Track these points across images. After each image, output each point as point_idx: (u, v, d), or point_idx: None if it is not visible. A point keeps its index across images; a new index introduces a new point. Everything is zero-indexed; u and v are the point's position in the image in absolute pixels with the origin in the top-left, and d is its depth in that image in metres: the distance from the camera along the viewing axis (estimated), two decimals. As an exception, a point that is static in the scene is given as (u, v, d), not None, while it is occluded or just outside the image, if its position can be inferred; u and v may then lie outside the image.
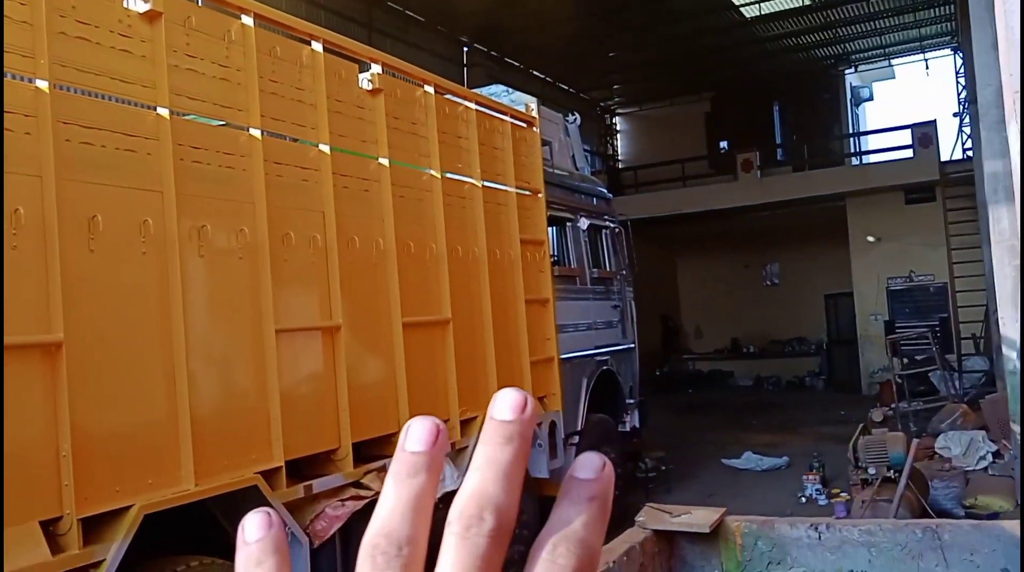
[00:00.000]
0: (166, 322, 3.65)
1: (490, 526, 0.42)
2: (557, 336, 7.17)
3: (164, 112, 3.70)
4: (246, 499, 4.01)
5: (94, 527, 3.29)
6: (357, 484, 4.71)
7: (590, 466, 0.45)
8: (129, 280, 3.54)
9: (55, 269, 3.16)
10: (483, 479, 0.43)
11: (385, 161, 5.23)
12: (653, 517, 4.40)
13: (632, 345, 8.94)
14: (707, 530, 4.56)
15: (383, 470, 4.93)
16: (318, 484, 4.45)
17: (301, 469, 4.59)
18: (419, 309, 5.44)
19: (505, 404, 0.45)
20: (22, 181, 3.12)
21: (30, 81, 3.19)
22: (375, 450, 5.11)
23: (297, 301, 4.52)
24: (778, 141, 22.35)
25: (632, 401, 8.74)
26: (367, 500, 4.63)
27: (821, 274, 20.52)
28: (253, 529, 0.46)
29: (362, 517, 4.58)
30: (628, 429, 8.70)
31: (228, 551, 4.16)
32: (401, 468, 0.45)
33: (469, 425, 5.82)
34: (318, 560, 4.35)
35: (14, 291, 3.09)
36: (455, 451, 5.63)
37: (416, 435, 0.45)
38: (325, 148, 4.70)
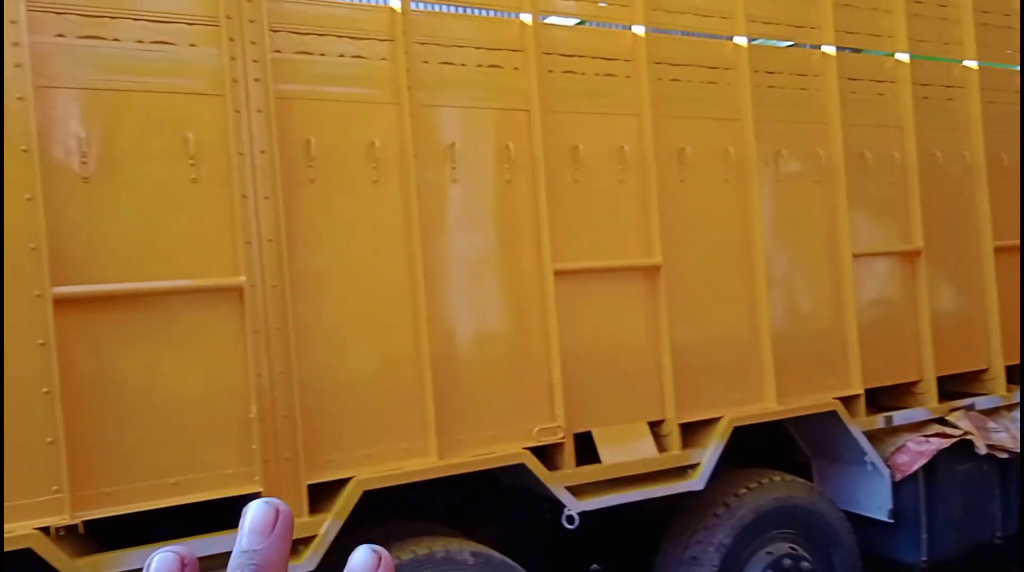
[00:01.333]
0: (747, 246, 3.79)
1: None
2: None
3: (741, 40, 3.78)
4: (823, 423, 4.01)
5: (690, 434, 3.62)
6: (941, 421, 4.35)
7: (362, 566, 0.40)
8: (714, 207, 3.74)
9: (653, 199, 3.50)
10: None
11: (972, 63, 4.60)
12: None
13: None
14: None
15: (971, 409, 4.47)
16: (899, 416, 4.22)
17: (878, 400, 4.41)
18: (1014, 230, 4.73)
19: (250, 525, 0.38)
20: (624, 121, 3.50)
21: (628, 28, 3.53)
22: (961, 387, 4.66)
23: (874, 223, 4.28)
24: None
25: None
26: (954, 439, 4.25)
27: None
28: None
29: (947, 456, 4.24)
30: None
31: (802, 470, 4.24)
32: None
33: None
34: (899, 493, 4.15)
35: (621, 220, 3.50)
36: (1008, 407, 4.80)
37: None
38: (903, 57, 4.32)
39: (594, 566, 4.65)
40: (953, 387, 4.64)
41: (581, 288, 3.39)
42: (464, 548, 2.94)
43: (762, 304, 3.77)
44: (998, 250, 4.60)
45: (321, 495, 2.82)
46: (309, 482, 2.71)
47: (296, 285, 2.80)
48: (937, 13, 4.53)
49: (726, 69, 3.76)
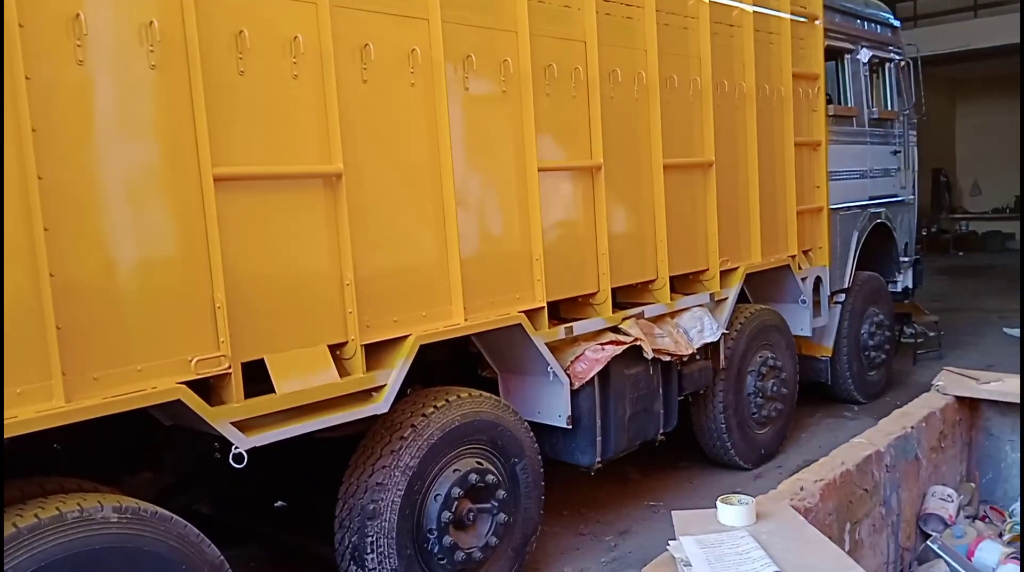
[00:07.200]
0: (435, 156, 3.58)
1: None
2: (828, 183, 6.48)
3: (428, -69, 3.48)
4: (510, 337, 4.02)
5: (374, 355, 3.40)
6: (615, 329, 4.59)
7: None
8: (399, 112, 3.47)
9: (333, 99, 3.14)
10: None
11: (649, -17, 4.74)
12: (955, 382, 3.89)
13: (912, 197, 7.94)
14: None
15: (641, 316, 4.77)
16: (578, 326, 4.37)
17: (560, 313, 4.54)
18: (681, 150, 5.05)
19: None
20: (300, 8, 3.07)
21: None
22: (633, 297, 4.95)
23: (558, 138, 4.29)
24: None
25: (907, 259, 7.85)
26: (626, 345, 4.50)
27: None
28: None
29: (618, 361, 4.48)
30: (900, 289, 7.89)
31: (489, 386, 4.26)
32: None
33: (729, 276, 5.47)
34: (577, 399, 4.33)
35: (295, 122, 3.11)
36: (714, 302, 5.33)
37: None
38: (591, -30, 4.31)
39: (278, 503, 4.35)
40: (624, 297, 4.91)
41: (249, 197, 2.97)
42: (105, 504, 2.49)
43: (451, 217, 3.61)
44: (666, 167, 4.87)
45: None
46: None
47: None
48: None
49: (413, -40, 3.46)
